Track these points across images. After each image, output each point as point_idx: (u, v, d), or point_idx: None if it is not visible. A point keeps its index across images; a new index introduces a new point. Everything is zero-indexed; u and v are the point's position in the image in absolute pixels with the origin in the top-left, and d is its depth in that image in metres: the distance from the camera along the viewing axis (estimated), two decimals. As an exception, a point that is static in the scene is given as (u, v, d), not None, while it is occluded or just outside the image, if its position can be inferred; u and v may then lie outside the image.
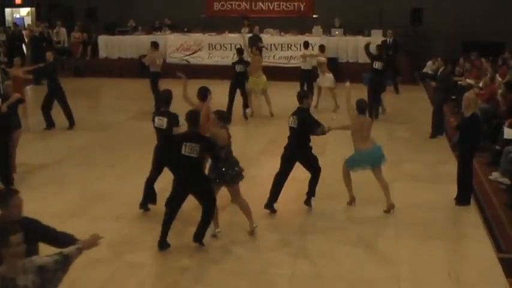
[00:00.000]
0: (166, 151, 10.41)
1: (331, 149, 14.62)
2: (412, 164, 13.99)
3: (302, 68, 20.18)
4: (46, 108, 17.32)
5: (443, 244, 9.96)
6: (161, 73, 19.54)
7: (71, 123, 17.47)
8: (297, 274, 8.91)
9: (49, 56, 17.66)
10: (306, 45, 20.93)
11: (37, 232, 6.06)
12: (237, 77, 18.39)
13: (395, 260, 9.35)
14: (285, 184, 11.89)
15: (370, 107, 16.31)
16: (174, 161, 9.80)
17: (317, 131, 10.91)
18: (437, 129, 16.15)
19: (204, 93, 11.19)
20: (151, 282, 8.75)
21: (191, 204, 10.20)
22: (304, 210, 11.27)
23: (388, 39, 22.99)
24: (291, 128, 10.92)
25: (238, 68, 18.34)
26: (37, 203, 11.50)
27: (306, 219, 10.88)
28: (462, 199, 11.39)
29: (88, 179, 13.04)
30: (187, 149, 9.22)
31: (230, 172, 9.76)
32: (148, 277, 8.91)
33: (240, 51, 18.87)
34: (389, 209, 11.16)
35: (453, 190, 11.50)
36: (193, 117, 9.46)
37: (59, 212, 11.05)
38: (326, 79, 19.41)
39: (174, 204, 9.61)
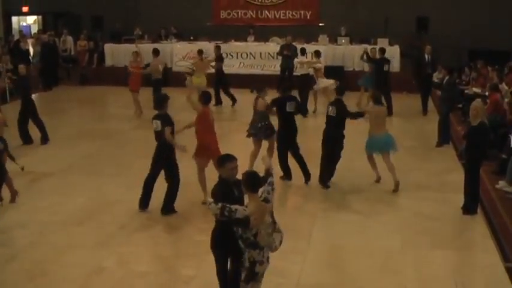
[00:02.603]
0: (160, 153, 11.44)
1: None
2: (418, 172, 13.96)
3: (298, 74, 20.48)
4: (22, 124, 16.35)
5: (449, 253, 9.94)
6: (163, 80, 20.41)
7: (45, 139, 16.57)
8: (302, 283, 8.90)
9: (21, 69, 16.92)
10: (303, 51, 21.32)
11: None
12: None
13: (401, 269, 9.33)
14: (291, 191, 11.96)
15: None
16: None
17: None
18: (444, 138, 16.11)
19: (207, 98, 12.20)
20: (157, 291, 8.74)
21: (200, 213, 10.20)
22: (310, 218, 11.26)
23: (427, 56, 20.50)
24: (328, 117, 12.87)
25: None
26: (43, 210, 11.56)
27: (312, 227, 10.85)
28: (469, 208, 11.36)
29: (93, 187, 13.04)
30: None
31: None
32: (153, 285, 8.89)
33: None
34: (396, 187, 12.72)
35: (460, 199, 11.47)
36: None
37: (64, 219, 11.07)
38: (323, 82, 19.45)
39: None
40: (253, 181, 6.88)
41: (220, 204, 6.67)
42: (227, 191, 7.11)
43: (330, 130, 12.85)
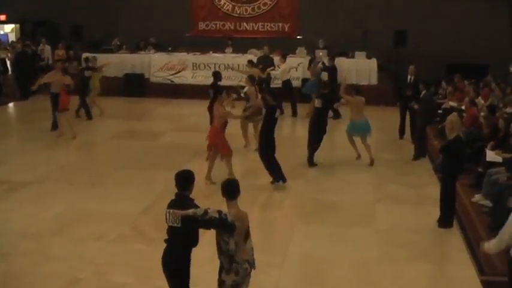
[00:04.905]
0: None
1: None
2: (395, 186, 14.02)
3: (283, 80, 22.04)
4: None
5: (426, 266, 9.98)
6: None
7: None
8: (279, 295, 8.91)
9: None
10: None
11: None
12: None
13: (378, 281, 9.36)
14: (267, 204, 12.02)
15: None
16: None
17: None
18: (420, 151, 16.21)
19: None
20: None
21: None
22: (287, 231, 11.27)
23: (409, 77, 18.69)
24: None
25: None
26: (19, 221, 11.46)
27: (288, 240, 10.85)
28: (445, 221, 11.43)
29: (70, 197, 12.95)
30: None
31: None
32: (130, 297, 8.86)
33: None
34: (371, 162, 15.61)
35: (436, 212, 11.54)
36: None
37: (40, 230, 10.98)
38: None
39: None
40: (233, 188, 7.03)
41: (216, 209, 6.81)
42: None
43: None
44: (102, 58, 24.60)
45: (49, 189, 13.53)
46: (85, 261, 9.92)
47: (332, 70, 21.95)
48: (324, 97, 15.53)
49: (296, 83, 23.67)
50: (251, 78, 16.90)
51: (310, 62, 22.91)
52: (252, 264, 7.13)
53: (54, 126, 18.73)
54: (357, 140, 15.85)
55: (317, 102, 15.54)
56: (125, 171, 14.88)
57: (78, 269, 9.61)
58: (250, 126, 16.60)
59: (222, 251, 6.91)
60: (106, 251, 10.37)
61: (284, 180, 13.62)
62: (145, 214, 11.92)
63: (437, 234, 11.30)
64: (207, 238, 7.34)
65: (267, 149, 13.51)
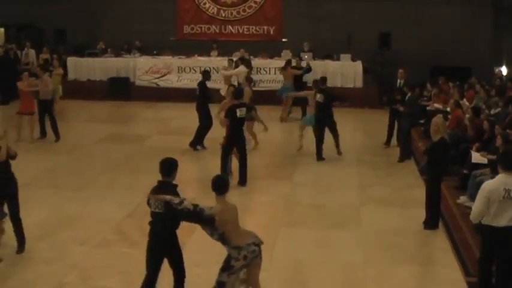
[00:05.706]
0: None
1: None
2: (380, 188, 14.03)
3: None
4: None
5: (412, 268, 10.00)
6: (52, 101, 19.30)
7: None
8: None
9: None
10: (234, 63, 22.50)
11: None
12: None
13: (364, 284, 9.36)
14: (252, 207, 11.98)
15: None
16: None
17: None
18: (406, 153, 16.24)
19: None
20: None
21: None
22: (272, 234, 11.23)
23: (399, 81, 18.44)
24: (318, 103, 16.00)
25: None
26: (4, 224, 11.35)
27: (274, 243, 10.81)
28: (430, 223, 11.45)
29: (56, 202, 12.88)
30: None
31: None
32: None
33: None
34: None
35: (421, 214, 11.55)
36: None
37: (26, 234, 10.89)
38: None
39: None
40: (221, 184, 7.45)
41: (192, 202, 7.18)
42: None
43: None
44: (86, 62, 24.64)
45: (33, 193, 13.41)
46: (70, 265, 9.87)
47: (306, 71, 22.56)
48: (324, 92, 16.11)
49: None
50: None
51: (286, 64, 22.79)
52: (259, 244, 7.60)
53: (43, 133, 18.58)
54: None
55: (319, 97, 15.98)
56: (109, 174, 14.83)
57: (63, 274, 9.56)
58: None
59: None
60: (91, 255, 10.32)
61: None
62: (130, 218, 11.87)
63: (423, 236, 11.31)
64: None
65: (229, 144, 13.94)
